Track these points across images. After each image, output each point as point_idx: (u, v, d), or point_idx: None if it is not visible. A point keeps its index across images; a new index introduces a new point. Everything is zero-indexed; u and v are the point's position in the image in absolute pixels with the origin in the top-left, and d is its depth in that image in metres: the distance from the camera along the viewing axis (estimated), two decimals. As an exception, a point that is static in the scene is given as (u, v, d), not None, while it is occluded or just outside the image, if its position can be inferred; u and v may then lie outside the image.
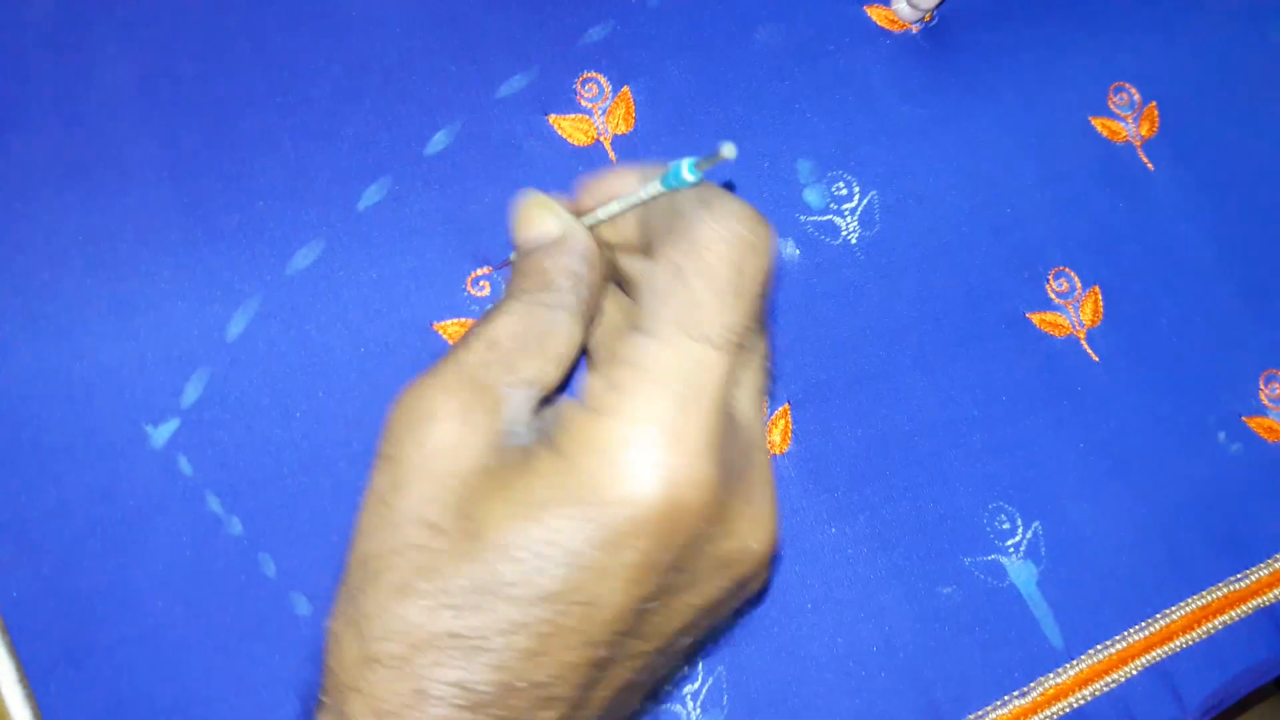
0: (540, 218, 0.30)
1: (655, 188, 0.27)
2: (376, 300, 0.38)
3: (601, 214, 0.30)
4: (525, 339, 0.29)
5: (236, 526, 0.36)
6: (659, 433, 0.25)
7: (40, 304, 0.36)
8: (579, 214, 0.31)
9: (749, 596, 0.30)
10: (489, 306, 0.38)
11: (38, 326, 0.36)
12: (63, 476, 0.35)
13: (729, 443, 0.27)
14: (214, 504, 0.36)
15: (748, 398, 0.29)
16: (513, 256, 0.33)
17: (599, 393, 0.26)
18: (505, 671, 0.25)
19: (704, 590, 0.28)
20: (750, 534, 0.28)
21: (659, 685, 0.33)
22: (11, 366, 0.35)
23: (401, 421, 0.27)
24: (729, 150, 0.26)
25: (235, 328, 0.37)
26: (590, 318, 0.30)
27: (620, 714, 0.30)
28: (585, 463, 0.25)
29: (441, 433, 0.27)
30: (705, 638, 0.32)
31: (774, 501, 0.29)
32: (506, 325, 0.28)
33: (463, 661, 0.25)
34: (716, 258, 0.26)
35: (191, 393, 0.36)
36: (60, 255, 0.37)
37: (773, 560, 0.30)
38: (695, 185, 0.27)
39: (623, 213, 0.29)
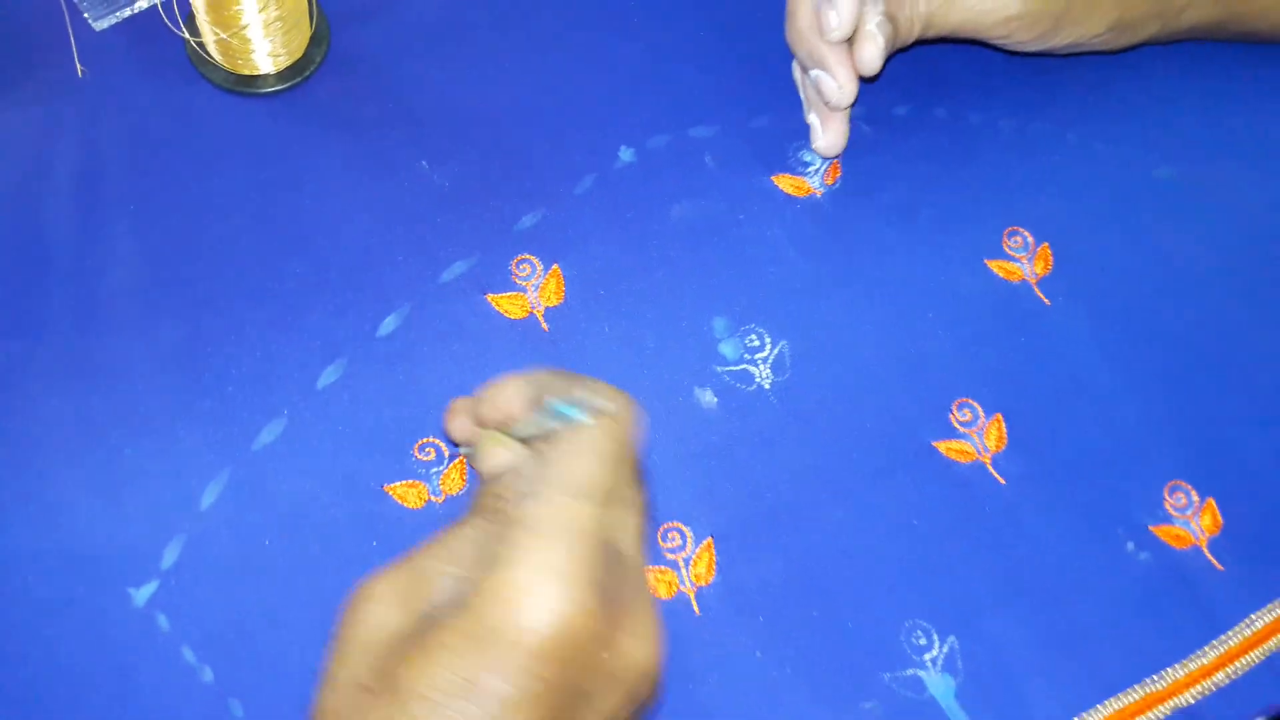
0: (496, 453, 0.36)
1: (550, 417, 0.33)
2: (333, 468, 0.43)
3: (530, 430, 0.35)
4: (481, 549, 0.33)
5: (208, 674, 0.40)
6: (546, 575, 0.30)
7: (36, 485, 0.42)
8: (477, 418, 0.36)
9: (642, 707, 0.34)
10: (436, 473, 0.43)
11: (32, 504, 0.41)
12: (54, 637, 0.40)
13: (611, 577, 0.31)
14: (189, 655, 0.40)
15: (628, 538, 0.33)
16: (462, 450, 0.38)
17: (495, 543, 0.31)
18: None
19: (597, 705, 0.32)
20: (637, 650, 0.32)
21: None
22: (8, 540, 0.40)
23: (349, 607, 0.32)
24: (610, 407, 0.32)
25: (208, 498, 0.42)
26: None
27: None
28: (486, 610, 0.30)
29: (376, 613, 0.32)
30: None
31: (656, 620, 0.33)
32: (464, 537, 0.33)
33: None
34: (588, 432, 0.32)
35: (169, 557, 0.41)
36: (55, 443, 0.42)
37: (659, 671, 0.33)
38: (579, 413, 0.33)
39: (538, 431, 0.35)
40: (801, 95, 0.51)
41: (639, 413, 0.34)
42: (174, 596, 0.41)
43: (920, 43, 0.49)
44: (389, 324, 0.46)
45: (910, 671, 0.43)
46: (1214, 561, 0.46)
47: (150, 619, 0.41)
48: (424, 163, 0.49)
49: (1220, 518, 0.47)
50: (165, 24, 0.50)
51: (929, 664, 0.43)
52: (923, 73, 0.54)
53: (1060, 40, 0.51)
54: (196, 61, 0.51)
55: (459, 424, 0.38)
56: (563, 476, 0.32)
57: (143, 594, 0.41)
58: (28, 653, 0.40)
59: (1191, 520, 0.47)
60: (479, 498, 0.35)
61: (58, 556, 0.41)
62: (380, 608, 0.32)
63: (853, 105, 0.48)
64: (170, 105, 0.50)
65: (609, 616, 0.31)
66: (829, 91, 0.47)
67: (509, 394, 0.36)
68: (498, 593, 0.30)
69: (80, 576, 0.41)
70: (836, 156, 0.50)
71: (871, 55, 0.46)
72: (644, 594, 0.33)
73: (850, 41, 0.47)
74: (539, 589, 0.30)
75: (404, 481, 0.44)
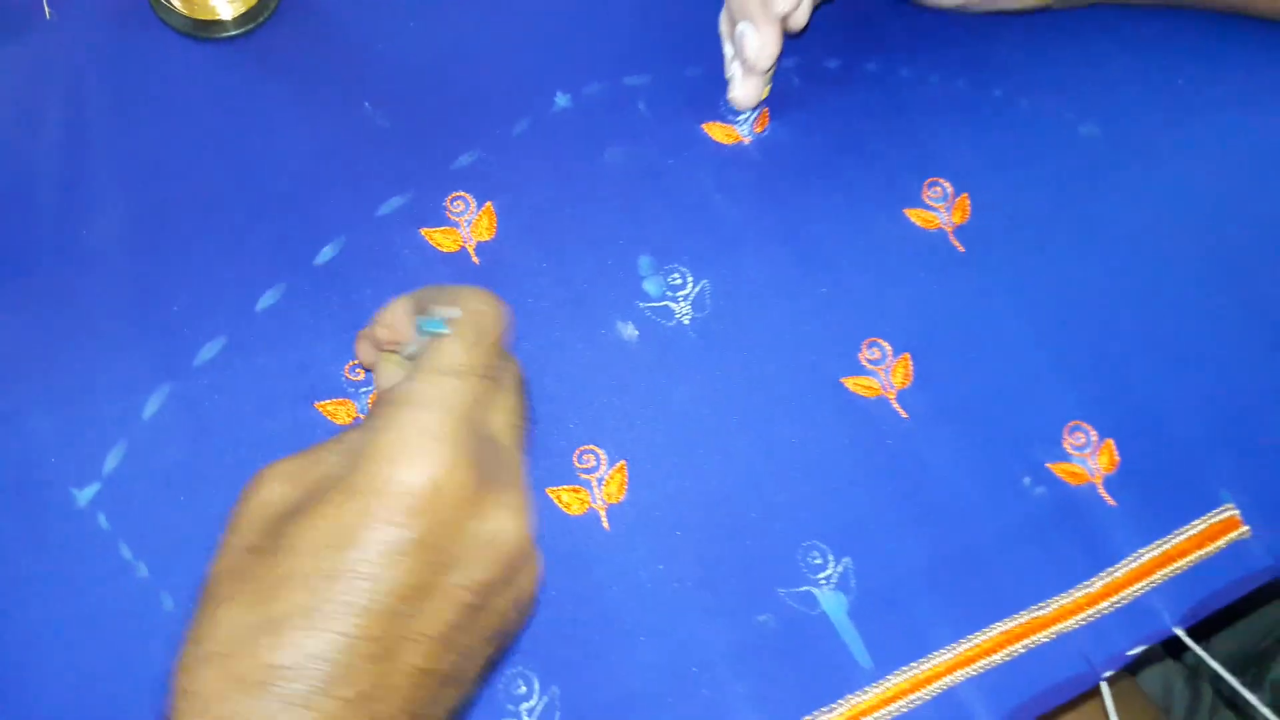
0: (390, 372, 0.40)
1: (422, 336, 0.37)
2: (268, 386, 0.46)
3: (413, 349, 0.38)
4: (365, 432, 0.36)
5: (143, 570, 0.43)
6: (416, 436, 0.33)
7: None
8: (374, 341, 0.40)
9: (523, 598, 0.36)
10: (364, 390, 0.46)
11: None
12: (3, 532, 0.43)
13: (481, 450, 0.34)
14: (126, 552, 0.43)
15: (500, 419, 0.37)
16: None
17: (375, 419, 0.34)
18: (301, 648, 0.31)
19: (471, 570, 0.34)
20: (506, 521, 0.34)
21: (464, 693, 0.37)
22: None
23: (246, 488, 0.35)
24: (447, 312, 0.36)
25: (149, 409, 0.45)
26: None
27: (431, 709, 0.35)
28: (364, 466, 0.33)
29: (270, 489, 0.34)
30: (494, 649, 0.37)
31: (526, 500, 0.35)
32: (359, 431, 0.35)
33: (268, 642, 0.31)
34: (459, 324, 0.35)
35: (111, 462, 0.45)
36: (11, 360, 0.46)
37: (531, 554, 0.36)
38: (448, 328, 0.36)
39: (418, 348, 0.37)
40: (723, 49, 0.53)
41: (504, 309, 0.37)
42: (114, 498, 0.44)
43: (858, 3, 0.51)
44: (326, 253, 0.49)
45: (804, 588, 0.46)
46: (1107, 498, 0.48)
47: (92, 518, 0.44)
48: (367, 104, 0.52)
49: (1117, 457, 0.49)
50: (129, -31, 0.53)
51: (823, 582, 0.46)
52: (856, 28, 0.56)
53: (984, 2, 0.53)
54: (157, 7, 0.53)
55: (363, 349, 0.42)
56: (436, 359, 0.35)
57: (85, 495, 0.44)
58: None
59: (1089, 459, 0.49)
60: (374, 405, 0.38)
61: (7, 458, 0.44)
62: (275, 485, 0.34)
63: (771, 68, 0.50)
64: (131, 48, 0.53)
65: (477, 483, 0.33)
66: (750, 49, 0.49)
67: (394, 314, 0.39)
68: (373, 454, 0.32)
69: (28, 478, 0.44)
70: (752, 109, 0.53)
71: (800, 12, 0.49)
72: (516, 475, 0.36)
73: None
74: (410, 447, 0.32)
75: (334, 400, 0.47)
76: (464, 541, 0.33)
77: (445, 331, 0.35)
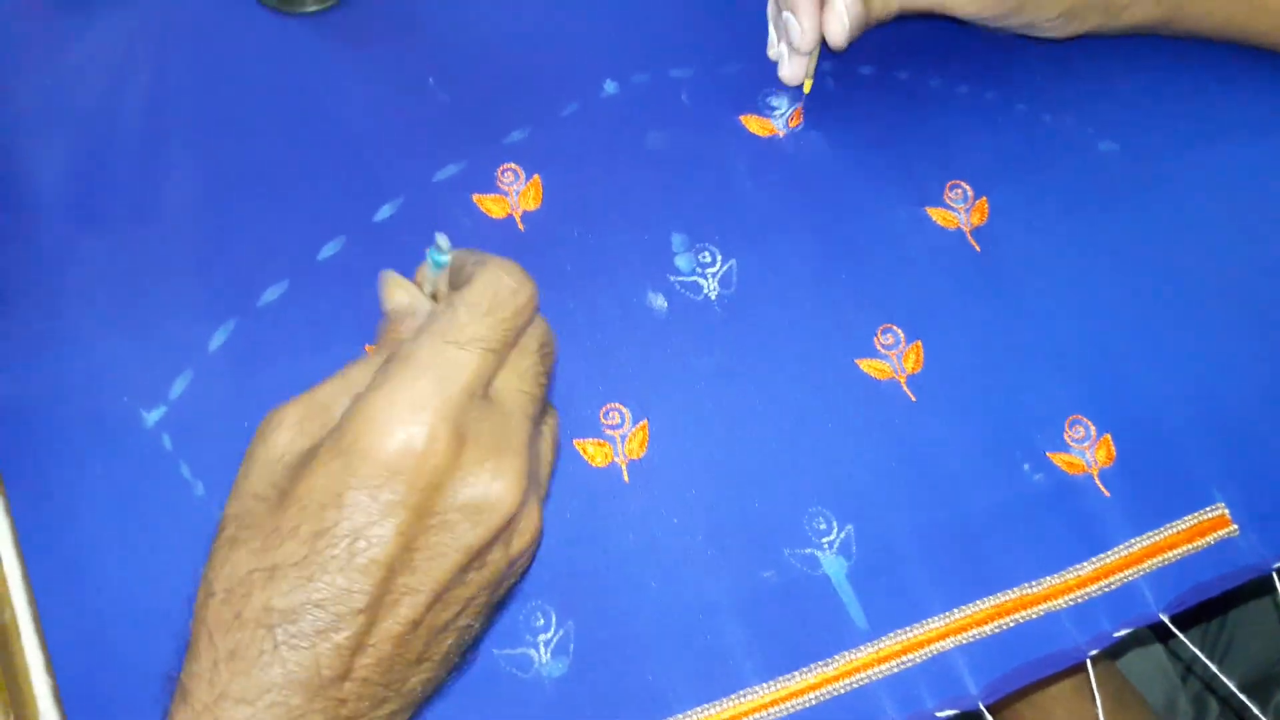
0: (395, 294, 0.40)
1: (432, 268, 0.38)
2: (324, 328, 0.50)
3: (427, 289, 0.40)
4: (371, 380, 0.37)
5: (200, 489, 0.47)
6: (405, 403, 0.33)
7: (74, 325, 0.50)
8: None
9: (518, 555, 0.38)
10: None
11: (66, 341, 0.49)
12: (76, 447, 0.47)
13: (478, 418, 0.35)
14: (185, 472, 0.47)
15: (512, 383, 0.37)
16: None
17: (375, 378, 0.35)
18: (295, 595, 0.34)
19: (460, 534, 0.35)
20: (493, 484, 0.35)
21: (463, 638, 0.39)
22: (43, 369, 0.49)
23: (258, 433, 0.37)
24: (441, 239, 0.37)
25: (215, 342, 0.50)
26: None
27: (431, 651, 0.37)
28: (352, 426, 0.34)
29: (280, 436, 0.36)
30: (493, 597, 0.39)
31: (520, 465, 0.35)
32: (364, 369, 0.37)
33: (266, 587, 0.34)
34: (475, 292, 0.36)
35: (178, 388, 0.49)
36: (93, 292, 0.50)
37: (525, 516, 0.37)
38: (448, 260, 0.37)
39: (434, 285, 0.39)
40: (770, 29, 0.57)
41: (528, 283, 0.37)
42: (178, 421, 0.48)
43: (900, 18, 0.55)
44: (385, 211, 0.53)
45: (808, 550, 0.49)
46: (1103, 489, 0.51)
47: (157, 438, 0.48)
48: (430, 79, 0.56)
49: (1114, 451, 0.52)
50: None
51: (825, 545, 0.49)
52: (891, 38, 0.60)
53: (1018, 20, 0.56)
54: (247, -19, 0.58)
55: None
56: (443, 324, 0.35)
57: (152, 416, 0.48)
58: (52, 458, 0.47)
59: (1087, 451, 0.52)
60: (381, 335, 0.39)
61: (84, 381, 0.48)
62: (284, 432, 0.35)
63: (816, 49, 0.54)
64: (222, 17, 0.58)
65: (463, 450, 0.34)
66: (794, 34, 0.53)
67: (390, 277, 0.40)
68: (362, 416, 0.33)
69: (102, 397, 0.48)
70: (796, 88, 0.56)
71: (836, 32, 0.53)
72: (513, 442, 0.36)
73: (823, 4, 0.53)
74: (395, 415, 0.33)
75: (383, 345, 0.50)
76: (451, 506, 0.34)
77: (444, 260, 0.37)
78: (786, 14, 0.53)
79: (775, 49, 0.57)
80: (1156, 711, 0.76)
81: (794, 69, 0.55)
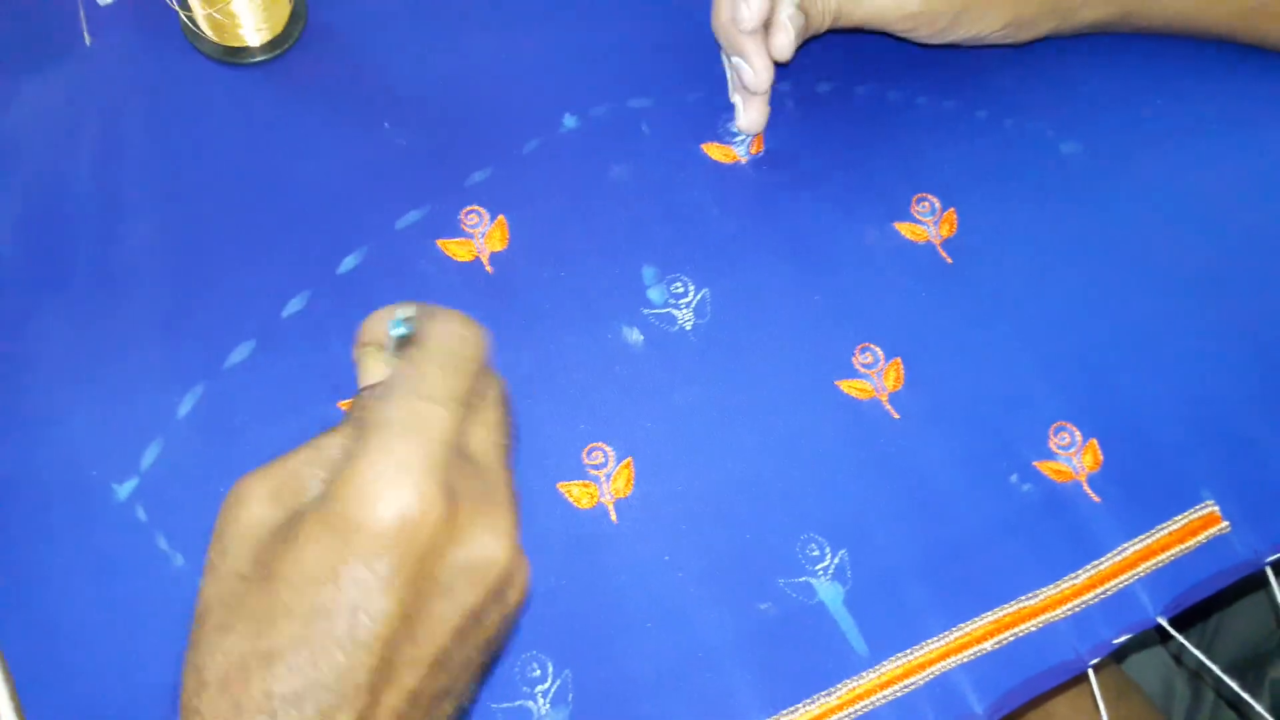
0: (369, 366, 0.39)
1: (393, 335, 0.37)
2: (294, 386, 0.49)
3: (389, 346, 0.38)
4: (345, 451, 0.35)
5: (179, 560, 0.46)
6: (390, 469, 0.32)
7: (37, 401, 0.48)
8: (362, 343, 0.40)
9: (512, 610, 0.37)
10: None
11: (31, 417, 0.48)
12: (47, 526, 0.46)
13: (461, 475, 0.34)
14: (162, 543, 0.46)
15: (483, 436, 0.37)
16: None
17: (353, 439, 0.34)
18: (295, 678, 0.32)
19: (459, 597, 0.34)
20: (491, 546, 0.34)
21: (460, 702, 0.38)
22: (10, 448, 0.48)
23: (227, 503, 0.36)
24: (405, 311, 0.36)
25: (184, 408, 0.48)
26: None
27: None
28: (340, 503, 0.33)
29: (252, 509, 0.35)
30: (488, 656, 0.38)
31: (511, 519, 0.35)
32: (334, 436, 0.36)
33: (265, 673, 0.33)
34: (435, 346, 0.35)
35: (149, 457, 0.47)
36: (56, 363, 0.49)
37: (518, 570, 0.36)
38: (407, 327, 0.37)
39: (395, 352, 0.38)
40: (728, 77, 0.56)
41: (481, 332, 0.37)
42: (151, 492, 0.47)
43: (833, 32, 0.55)
44: (349, 262, 0.52)
45: (802, 579, 0.48)
46: (1092, 495, 0.51)
47: (130, 511, 0.47)
48: (386, 124, 0.55)
49: (1101, 456, 0.52)
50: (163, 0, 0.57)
51: (820, 573, 0.49)
52: (847, 54, 0.60)
53: (959, 35, 0.56)
54: (189, 34, 0.57)
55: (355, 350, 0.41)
56: (409, 382, 0.34)
57: (124, 489, 0.47)
58: (26, 537, 0.46)
59: (1074, 458, 0.52)
60: (352, 408, 0.38)
61: (53, 457, 0.47)
62: (255, 505, 0.35)
63: (770, 89, 0.54)
64: (165, 72, 0.57)
65: (456, 510, 0.33)
66: (747, 78, 0.53)
67: (376, 319, 0.39)
68: (349, 486, 0.32)
69: (71, 474, 0.47)
70: (757, 133, 0.56)
71: (783, 44, 0.52)
72: (499, 496, 0.35)
73: (766, 30, 0.52)
74: (384, 481, 0.32)
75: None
76: (448, 569, 0.34)
77: (403, 331, 0.36)
78: (736, 60, 0.53)
79: (734, 95, 0.56)
80: (1154, 697, 0.76)
81: (750, 116, 0.54)
